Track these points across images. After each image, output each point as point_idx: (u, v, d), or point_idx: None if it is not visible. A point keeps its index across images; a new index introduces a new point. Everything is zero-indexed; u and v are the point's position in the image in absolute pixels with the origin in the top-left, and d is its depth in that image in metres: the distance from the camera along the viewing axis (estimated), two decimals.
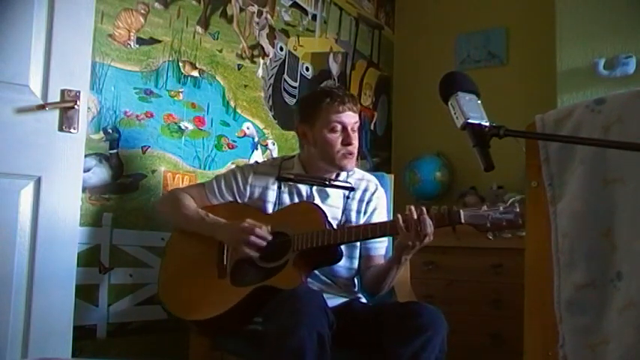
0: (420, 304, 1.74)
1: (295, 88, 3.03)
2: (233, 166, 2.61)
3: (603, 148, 1.21)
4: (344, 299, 1.92)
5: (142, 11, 2.33)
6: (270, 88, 2.90)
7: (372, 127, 3.59)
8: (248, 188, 1.98)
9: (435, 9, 3.70)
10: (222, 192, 1.99)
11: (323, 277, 1.91)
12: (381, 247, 1.99)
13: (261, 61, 2.85)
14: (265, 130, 2.84)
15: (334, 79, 3.29)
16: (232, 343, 1.88)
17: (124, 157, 2.24)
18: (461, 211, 1.72)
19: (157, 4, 2.38)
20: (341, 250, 1.83)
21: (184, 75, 2.48)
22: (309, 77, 3.12)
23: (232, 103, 2.69)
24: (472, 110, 1.09)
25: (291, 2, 3.04)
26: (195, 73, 2.53)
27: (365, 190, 2.01)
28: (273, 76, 2.92)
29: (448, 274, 2.92)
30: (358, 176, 2.03)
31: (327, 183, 1.94)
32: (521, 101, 3.18)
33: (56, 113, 1.86)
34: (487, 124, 1.07)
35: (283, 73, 2.98)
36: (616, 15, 2.71)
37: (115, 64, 2.23)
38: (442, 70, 1.23)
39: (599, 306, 1.20)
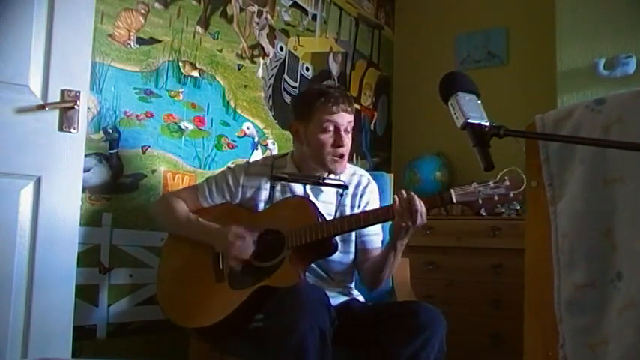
0: (419, 303, 1.74)
1: (295, 88, 3.03)
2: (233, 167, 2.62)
3: (603, 148, 1.21)
4: (343, 298, 1.92)
5: (142, 11, 2.33)
6: (270, 88, 2.90)
7: (372, 127, 3.59)
8: (240, 189, 1.97)
9: (435, 9, 3.71)
10: (213, 194, 1.99)
11: (319, 271, 1.91)
12: (376, 239, 1.99)
13: (261, 61, 2.85)
14: (265, 130, 2.84)
15: (334, 79, 3.29)
16: (232, 343, 1.87)
17: (124, 157, 2.24)
18: (452, 190, 1.73)
19: (157, 4, 2.38)
20: (336, 241, 1.82)
21: (184, 75, 2.48)
22: (309, 77, 3.12)
23: (232, 103, 2.69)
24: (472, 110, 1.09)
25: (291, 2, 3.04)
26: (195, 73, 2.53)
27: (357, 185, 2.00)
28: (273, 76, 2.92)
29: (448, 274, 2.92)
30: (350, 172, 2.02)
31: (321, 182, 1.93)
32: (521, 101, 3.18)
33: (56, 113, 1.86)
34: (487, 124, 1.07)
35: (283, 73, 2.98)
36: (616, 15, 2.71)
37: (115, 64, 2.23)
38: (442, 70, 1.23)
39: (599, 306, 1.20)
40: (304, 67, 3.10)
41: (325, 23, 3.26)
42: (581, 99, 2.55)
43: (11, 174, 1.77)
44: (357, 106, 3.45)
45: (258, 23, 2.84)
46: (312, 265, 1.87)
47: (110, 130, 2.20)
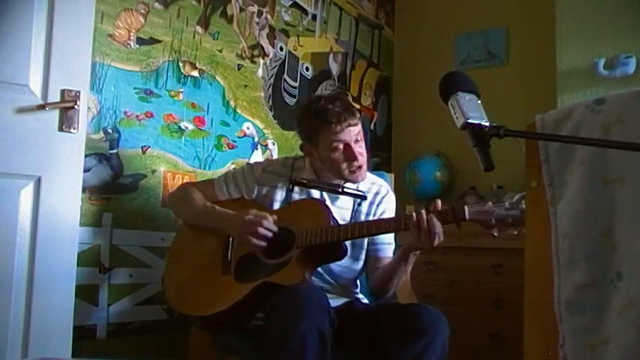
0: (422, 305, 1.73)
1: (295, 88, 3.03)
2: (233, 167, 2.62)
3: (603, 148, 1.20)
4: (345, 300, 1.92)
5: (142, 11, 2.33)
6: (270, 88, 2.90)
7: (372, 127, 3.59)
8: (256, 186, 1.98)
9: (435, 9, 3.70)
10: (230, 187, 2.00)
11: (325, 277, 1.91)
12: (389, 248, 1.99)
13: (261, 61, 2.85)
14: (265, 130, 2.84)
15: (334, 79, 3.29)
16: (232, 342, 1.88)
17: (124, 157, 2.24)
18: (465, 207, 1.70)
19: (157, 4, 2.38)
20: (345, 246, 1.82)
21: (184, 75, 2.48)
22: (309, 77, 3.12)
23: (232, 103, 2.69)
24: (472, 110, 1.09)
25: (291, 2, 3.04)
26: (195, 73, 2.53)
27: (376, 194, 2.00)
28: (273, 76, 2.92)
29: (448, 274, 2.92)
30: (370, 181, 2.02)
31: (340, 191, 1.89)
32: (521, 101, 3.18)
33: (56, 113, 1.86)
34: (487, 124, 1.07)
35: (283, 73, 2.98)
36: (616, 15, 2.71)
37: (115, 64, 2.23)
38: (442, 70, 1.22)
39: (599, 306, 1.19)
40: (304, 67, 3.10)
41: (325, 23, 3.26)
42: (581, 99, 2.55)
43: (11, 174, 1.78)
44: (357, 106, 3.45)
45: (258, 23, 2.84)
46: (319, 269, 1.87)
47: (110, 130, 2.20)
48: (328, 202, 1.94)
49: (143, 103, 2.32)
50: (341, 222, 1.87)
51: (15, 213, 1.78)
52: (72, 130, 1.88)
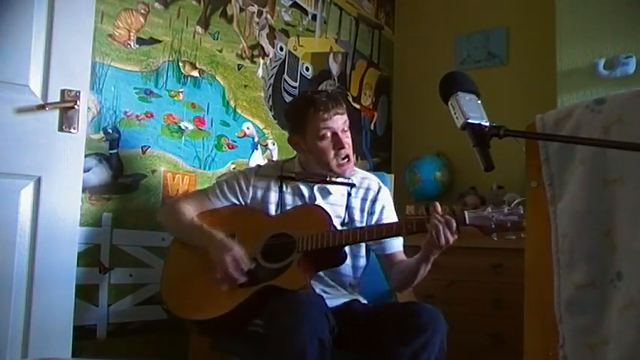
0: (419, 304, 1.74)
1: (295, 88, 3.03)
2: (233, 167, 2.62)
3: (603, 148, 1.20)
4: (344, 300, 1.92)
5: (142, 11, 2.33)
6: (270, 88, 2.90)
7: (372, 127, 3.59)
8: (250, 190, 1.99)
9: (435, 9, 3.70)
10: (225, 193, 2.00)
11: (327, 278, 1.91)
12: (396, 242, 1.98)
13: (261, 61, 2.85)
14: (265, 130, 2.84)
15: (334, 79, 3.29)
16: (233, 344, 1.87)
17: (124, 157, 2.24)
18: (465, 212, 1.73)
19: (157, 4, 2.38)
20: (345, 252, 1.83)
21: (184, 75, 2.48)
22: (309, 77, 3.12)
23: (232, 103, 2.69)
24: (472, 110, 1.09)
25: (291, 2, 3.04)
26: (195, 73, 2.53)
27: (368, 189, 2.01)
28: (273, 76, 2.92)
29: (448, 274, 2.91)
30: (360, 175, 2.04)
31: (328, 180, 1.95)
32: (521, 101, 3.18)
33: (56, 113, 1.86)
34: (487, 124, 1.07)
35: (283, 73, 2.98)
36: (616, 15, 2.71)
37: (115, 64, 2.23)
38: (442, 70, 1.22)
39: (599, 306, 1.19)
40: (304, 67, 3.10)
41: (325, 23, 3.26)
42: (581, 99, 2.55)
43: (11, 174, 1.78)
44: (357, 106, 3.46)
45: (258, 23, 2.84)
46: (320, 273, 1.87)
47: (110, 130, 2.20)
48: (320, 200, 1.94)
49: (143, 103, 2.32)
50: (335, 218, 1.87)
51: (15, 213, 1.78)
52: (72, 130, 1.88)
